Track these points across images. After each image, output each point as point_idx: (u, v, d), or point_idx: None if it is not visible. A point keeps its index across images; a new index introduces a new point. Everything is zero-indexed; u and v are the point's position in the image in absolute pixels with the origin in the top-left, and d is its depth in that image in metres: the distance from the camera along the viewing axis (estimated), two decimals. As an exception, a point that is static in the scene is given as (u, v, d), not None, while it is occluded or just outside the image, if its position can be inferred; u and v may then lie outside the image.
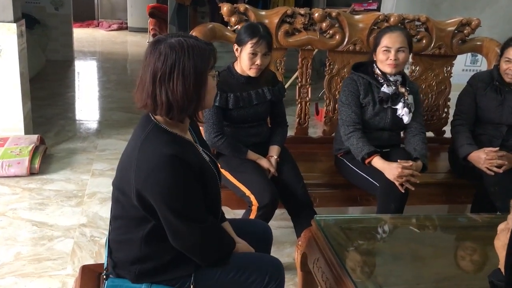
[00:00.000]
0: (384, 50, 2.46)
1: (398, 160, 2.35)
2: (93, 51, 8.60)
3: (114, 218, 1.61)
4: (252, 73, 2.34)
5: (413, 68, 3.17)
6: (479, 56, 4.44)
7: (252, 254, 1.72)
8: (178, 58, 1.42)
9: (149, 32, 9.20)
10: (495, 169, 2.49)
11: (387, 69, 2.48)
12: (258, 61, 2.29)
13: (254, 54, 2.28)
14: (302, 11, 2.87)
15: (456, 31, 3.10)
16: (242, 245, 1.73)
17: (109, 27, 10.90)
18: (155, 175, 1.42)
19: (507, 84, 2.66)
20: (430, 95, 3.22)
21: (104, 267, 1.64)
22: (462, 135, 2.68)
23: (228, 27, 2.80)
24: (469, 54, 4.49)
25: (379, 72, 2.52)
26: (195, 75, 1.44)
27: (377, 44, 2.51)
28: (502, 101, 2.67)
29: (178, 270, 1.56)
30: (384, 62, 2.47)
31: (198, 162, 1.51)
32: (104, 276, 1.61)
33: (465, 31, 3.12)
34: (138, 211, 1.48)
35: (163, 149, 1.44)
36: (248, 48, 2.28)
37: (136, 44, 9.36)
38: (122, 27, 10.99)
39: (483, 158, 2.52)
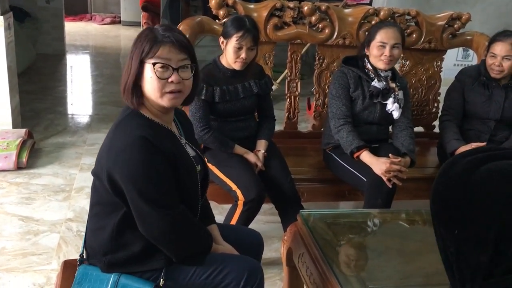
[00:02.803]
0: (379, 46, 2.42)
1: (390, 155, 2.34)
2: (86, 45, 8.54)
3: (91, 205, 1.62)
4: (237, 66, 2.31)
5: (403, 62, 3.16)
6: (471, 51, 4.42)
7: (230, 255, 1.66)
8: (133, 42, 1.51)
9: (142, 26, 9.15)
10: None
11: (381, 65, 2.45)
12: (243, 55, 2.27)
13: (239, 48, 2.26)
14: (291, 4, 2.84)
15: (446, 26, 3.09)
16: (225, 248, 1.69)
17: (102, 21, 10.83)
18: (124, 155, 1.43)
19: (494, 79, 2.65)
20: (420, 90, 3.21)
21: (79, 254, 1.64)
22: (450, 130, 2.68)
23: (217, 21, 2.78)
24: (461, 48, 4.47)
25: (370, 67, 2.50)
26: (130, 59, 1.49)
27: (371, 39, 2.47)
28: (489, 96, 2.67)
29: (148, 263, 1.54)
30: (378, 57, 2.44)
31: (172, 150, 1.50)
32: (78, 263, 1.61)
33: (455, 26, 3.10)
34: (111, 197, 1.48)
35: (134, 131, 1.45)
36: (233, 42, 2.25)
37: (129, 38, 9.29)
38: (115, 21, 10.92)
39: None
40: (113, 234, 1.52)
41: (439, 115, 2.99)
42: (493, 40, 2.64)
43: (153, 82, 1.47)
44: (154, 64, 1.45)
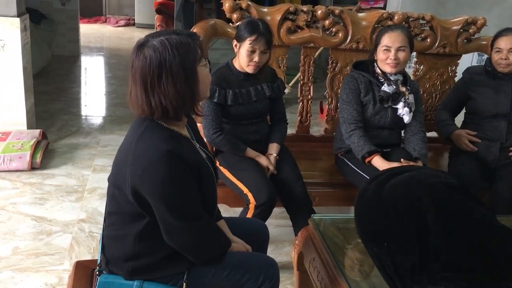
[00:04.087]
0: (384, 50, 2.42)
1: (402, 160, 2.32)
2: (100, 46, 8.62)
3: (108, 214, 1.60)
4: (250, 70, 2.32)
5: (417, 67, 3.14)
6: (486, 56, 4.38)
7: (247, 253, 1.70)
8: (163, 59, 1.39)
9: (156, 28, 9.21)
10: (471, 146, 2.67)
11: (387, 69, 2.45)
12: (256, 58, 2.27)
13: (252, 51, 2.26)
14: (305, 8, 2.84)
15: (461, 30, 3.06)
16: (238, 244, 1.72)
17: (117, 23, 10.93)
18: (152, 171, 1.41)
19: (500, 72, 2.66)
20: (434, 95, 3.19)
21: (98, 263, 1.63)
22: (443, 117, 2.84)
23: (231, 24, 2.78)
24: (476, 53, 4.43)
25: (379, 71, 2.49)
26: (184, 72, 1.41)
27: (377, 43, 2.47)
28: (496, 87, 2.66)
29: (171, 268, 1.55)
30: (384, 61, 2.44)
31: (195, 158, 1.50)
32: (97, 273, 1.60)
33: (470, 30, 3.08)
34: (133, 207, 1.47)
35: (159, 145, 1.43)
36: (246, 45, 2.25)
37: None
38: (129, 23, 11.01)
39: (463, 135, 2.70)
40: (135, 242, 1.52)
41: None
42: (496, 36, 2.69)
43: (209, 78, 1.54)
44: (208, 61, 1.52)
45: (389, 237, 0.99)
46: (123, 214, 1.54)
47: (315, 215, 1.98)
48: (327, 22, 2.85)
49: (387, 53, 2.42)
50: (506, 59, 2.61)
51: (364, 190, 1.08)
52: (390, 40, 2.41)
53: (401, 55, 2.41)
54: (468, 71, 2.82)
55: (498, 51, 2.63)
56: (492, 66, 2.68)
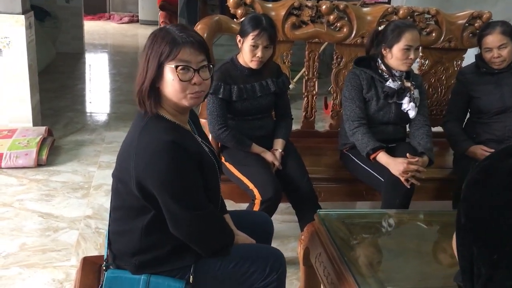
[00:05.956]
0: (405, 49, 2.37)
1: (407, 155, 2.32)
2: (104, 43, 8.62)
3: (114, 209, 1.61)
4: (253, 65, 2.31)
5: (422, 61, 3.12)
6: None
7: (252, 245, 1.71)
8: (147, 44, 1.48)
9: (160, 25, 9.20)
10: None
11: (404, 68, 2.42)
12: (259, 54, 2.27)
13: (255, 46, 2.26)
14: (309, 3, 2.83)
15: (466, 24, 3.05)
16: (241, 237, 1.72)
17: (120, 20, 10.93)
18: (155, 161, 1.42)
19: (495, 69, 2.61)
20: (439, 89, 3.18)
21: (104, 259, 1.64)
22: (454, 132, 2.71)
23: (235, 20, 2.78)
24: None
25: (383, 68, 2.47)
26: (147, 61, 1.46)
27: (395, 41, 2.38)
28: (497, 81, 2.61)
29: (178, 261, 1.56)
30: (402, 60, 2.39)
31: (197, 151, 1.51)
32: (104, 268, 1.61)
33: (476, 24, 3.06)
34: (138, 201, 1.48)
35: (162, 136, 1.44)
36: (249, 40, 2.25)
37: (146, 37, 9.14)
38: (133, 20, 11.02)
39: (479, 152, 2.55)
40: (142, 236, 1.52)
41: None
42: (480, 36, 2.62)
43: (176, 84, 1.45)
44: (176, 67, 1.44)
45: (507, 251, 0.70)
46: (128, 209, 1.54)
47: (321, 210, 1.99)
48: (331, 17, 2.84)
49: (408, 53, 2.37)
50: (498, 56, 2.54)
51: (498, 164, 0.71)
52: (411, 39, 2.36)
53: (417, 54, 2.42)
54: (463, 72, 2.77)
55: (488, 50, 2.57)
56: (486, 65, 2.62)
